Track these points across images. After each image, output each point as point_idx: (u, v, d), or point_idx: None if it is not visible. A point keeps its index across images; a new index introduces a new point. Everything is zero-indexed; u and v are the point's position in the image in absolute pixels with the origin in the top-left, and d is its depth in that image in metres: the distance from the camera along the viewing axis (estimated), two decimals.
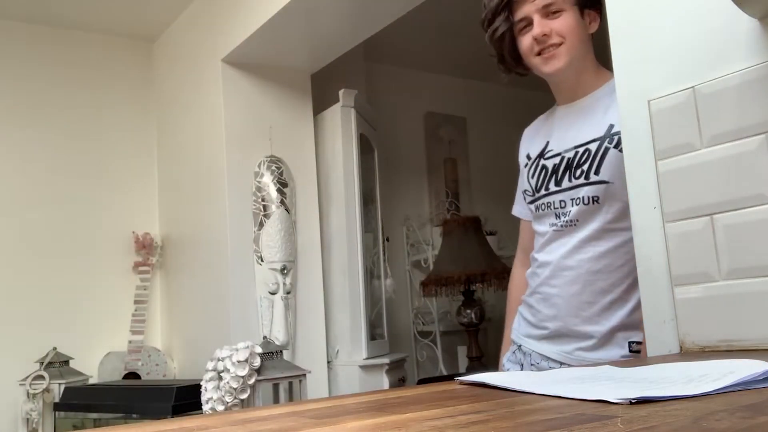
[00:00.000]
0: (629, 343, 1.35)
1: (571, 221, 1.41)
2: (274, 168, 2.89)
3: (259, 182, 2.87)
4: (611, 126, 1.37)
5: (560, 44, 1.40)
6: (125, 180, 3.39)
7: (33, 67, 3.22)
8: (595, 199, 1.37)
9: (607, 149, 1.36)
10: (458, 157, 4.17)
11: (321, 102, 3.10)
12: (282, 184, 2.88)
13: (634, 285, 1.33)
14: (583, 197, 1.39)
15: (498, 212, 3.88)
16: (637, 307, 1.32)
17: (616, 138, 1.35)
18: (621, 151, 1.32)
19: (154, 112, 3.49)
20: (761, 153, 0.98)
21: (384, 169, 3.47)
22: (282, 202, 2.86)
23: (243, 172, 2.87)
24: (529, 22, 1.42)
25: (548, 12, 1.40)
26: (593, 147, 1.38)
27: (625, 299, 1.36)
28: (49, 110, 3.23)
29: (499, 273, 3.30)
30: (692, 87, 1.08)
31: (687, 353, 1.06)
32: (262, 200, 2.86)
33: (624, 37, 1.21)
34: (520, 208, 1.65)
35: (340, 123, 2.99)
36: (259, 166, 2.89)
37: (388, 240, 3.55)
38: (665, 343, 1.10)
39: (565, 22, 1.39)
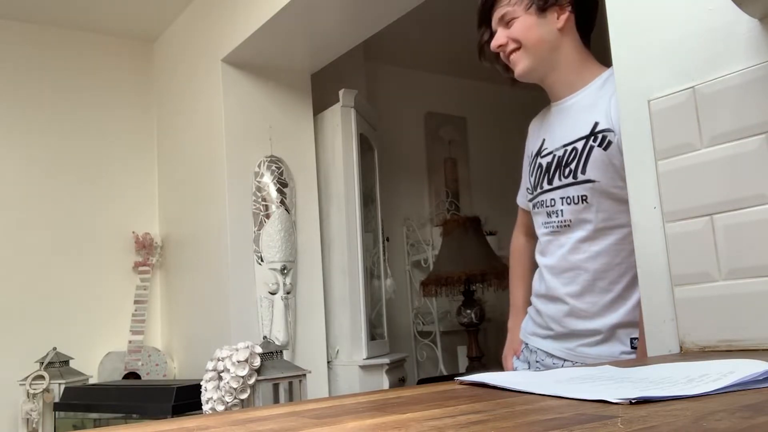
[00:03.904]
0: (631, 339, 1.35)
1: (564, 222, 1.43)
2: (274, 168, 2.89)
3: (259, 182, 2.87)
4: (596, 124, 1.37)
5: (517, 48, 1.45)
6: (125, 180, 3.39)
7: (33, 67, 3.22)
8: (583, 198, 1.39)
9: (591, 148, 1.37)
10: (458, 157, 4.17)
11: (321, 102, 3.10)
12: (282, 184, 2.88)
13: (633, 282, 1.34)
14: (573, 196, 1.40)
15: (498, 212, 3.88)
16: (638, 304, 1.33)
17: (600, 136, 1.36)
18: (605, 149, 1.34)
19: (154, 112, 3.50)
20: (761, 153, 0.98)
21: (384, 169, 3.47)
22: (282, 202, 2.86)
23: (243, 172, 2.87)
24: None
25: (505, 22, 1.46)
26: (579, 146, 1.39)
27: (625, 297, 1.37)
28: (49, 110, 3.23)
29: (499, 273, 3.30)
30: (692, 87, 1.08)
31: (687, 353, 1.06)
32: (262, 200, 2.86)
33: (624, 37, 1.21)
34: (521, 198, 1.70)
35: (340, 123, 2.99)
36: (259, 166, 2.89)
37: (388, 240, 3.55)
38: (665, 343, 1.10)
39: (518, 27, 1.44)
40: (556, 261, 1.45)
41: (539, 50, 1.43)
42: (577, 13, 1.45)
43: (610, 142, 1.34)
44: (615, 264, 1.37)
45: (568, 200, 1.41)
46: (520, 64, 1.45)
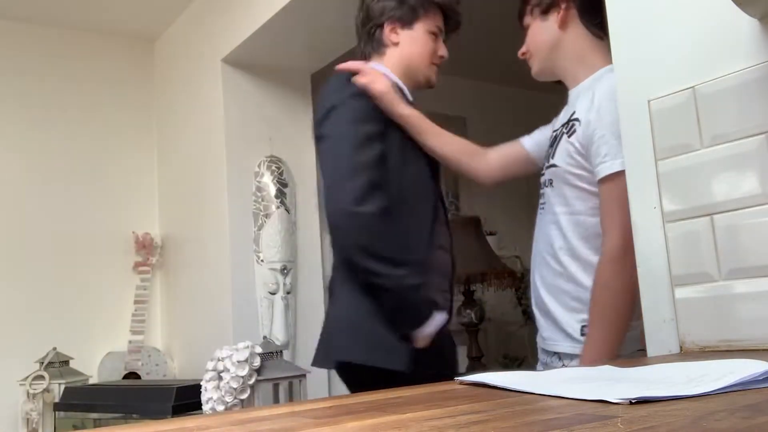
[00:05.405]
0: (582, 327, 1.36)
1: (544, 204, 1.52)
2: (274, 168, 2.89)
3: (259, 182, 2.87)
4: (573, 113, 1.44)
5: (531, 57, 1.57)
6: (125, 180, 3.39)
7: (33, 67, 3.22)
8: (550, 182, 1.48)
9: (562, 134, 1.45)
10: None
11: None
12: (282, 184, 2.88)
13: (583, 266, 1.38)
14: (547, 180, 1.50)
15: (498, 212, 3.88)
16: (588, 290, 1.36)
17: (570, 124, 1.42)
18: (569, 137, 1.41)
19: (154, 112, 3.49)
20: (761, 153, 0.98)
21: None
22: (282, 202, 2.86)
23: (243, 172, 2.87)
24: None
25: (526, 30, 1.57)
26: (557, 132, 1.49)
27: (573, 279, 1.41)
28: (49, 110, 3.23)
29: (499, 273, 3.30)
30: (692, 87, 1.08)
31: (687, 353, 1.06)
32: (262, 200, 2.86)
33: (624, 37, 1.21)
34: (527, 138, 1.71)
35: None
36: (259, 166, 2.89)
37: None
38: (665, 343, 1.10)
39: (529, 36, 1.55)
40: (535, 243, 1.54)
41: (547, 54, 1.52)
42: (580, 3, 1.48)
43: (575, 131, 1.40)
44: (566, 247, 1.42)
45: (546, 183, 1.51)
46: (533, 69, 1.57)
